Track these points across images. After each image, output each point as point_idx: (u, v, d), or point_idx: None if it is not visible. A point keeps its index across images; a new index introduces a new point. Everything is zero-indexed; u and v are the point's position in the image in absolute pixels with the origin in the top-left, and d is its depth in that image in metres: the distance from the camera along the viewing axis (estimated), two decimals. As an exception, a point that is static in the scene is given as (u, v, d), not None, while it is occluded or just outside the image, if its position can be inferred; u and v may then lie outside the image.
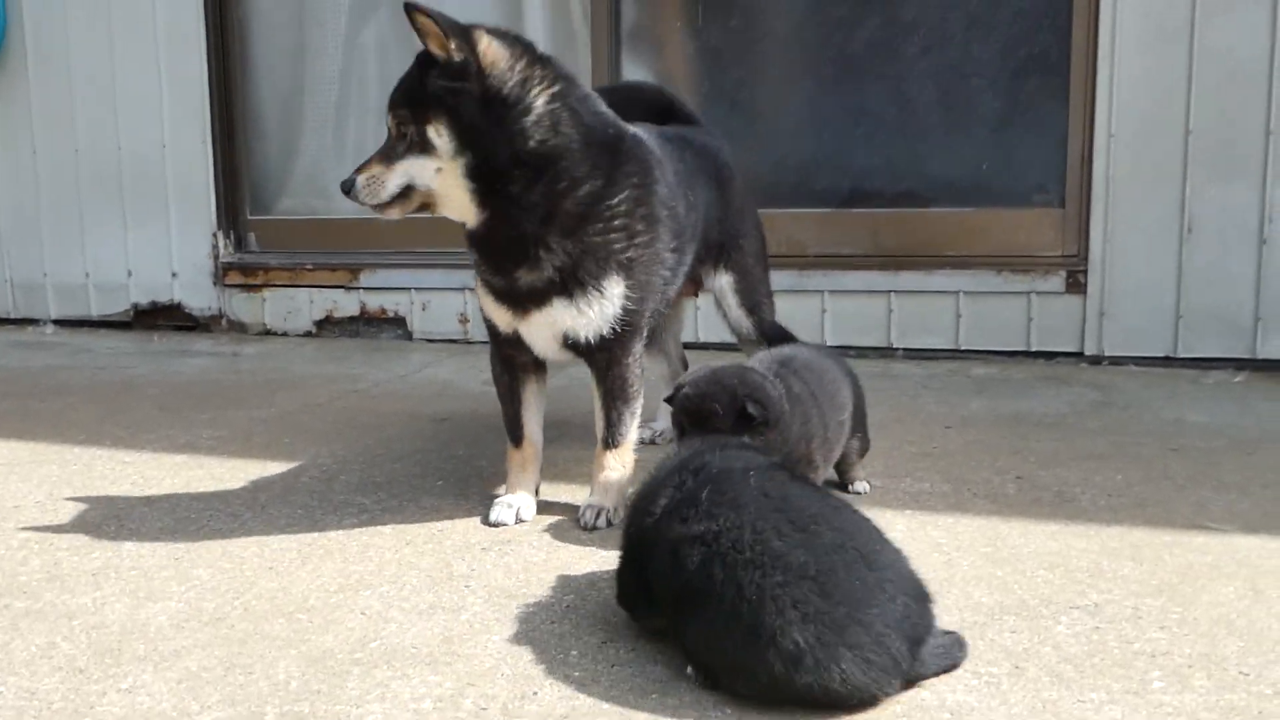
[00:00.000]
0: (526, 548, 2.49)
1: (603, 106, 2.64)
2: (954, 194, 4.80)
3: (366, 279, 5.58)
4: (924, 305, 4.71)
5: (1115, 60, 4.31)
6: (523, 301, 2.59)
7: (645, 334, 2.70)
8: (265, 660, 1.95)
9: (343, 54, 5.76)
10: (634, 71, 5.23)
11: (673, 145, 2.92)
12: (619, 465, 2.66)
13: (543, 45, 2.61)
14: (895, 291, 4.73)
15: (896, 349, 4.75)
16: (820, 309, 4.84)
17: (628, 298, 2.57)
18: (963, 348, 4.67)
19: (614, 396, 2.65)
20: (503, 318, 2.65)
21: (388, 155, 2.49)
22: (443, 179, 2.48)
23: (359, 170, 2.52)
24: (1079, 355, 4.52)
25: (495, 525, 2.62)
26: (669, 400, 2.42)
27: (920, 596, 1.77)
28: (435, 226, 5.64)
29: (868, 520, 1.87)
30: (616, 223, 2.54)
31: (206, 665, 1.94)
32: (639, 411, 2.70)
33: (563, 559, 2.41)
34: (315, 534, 2.61)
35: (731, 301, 3.25)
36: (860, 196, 4.94)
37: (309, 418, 3.82)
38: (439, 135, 2.43)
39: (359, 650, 1.98)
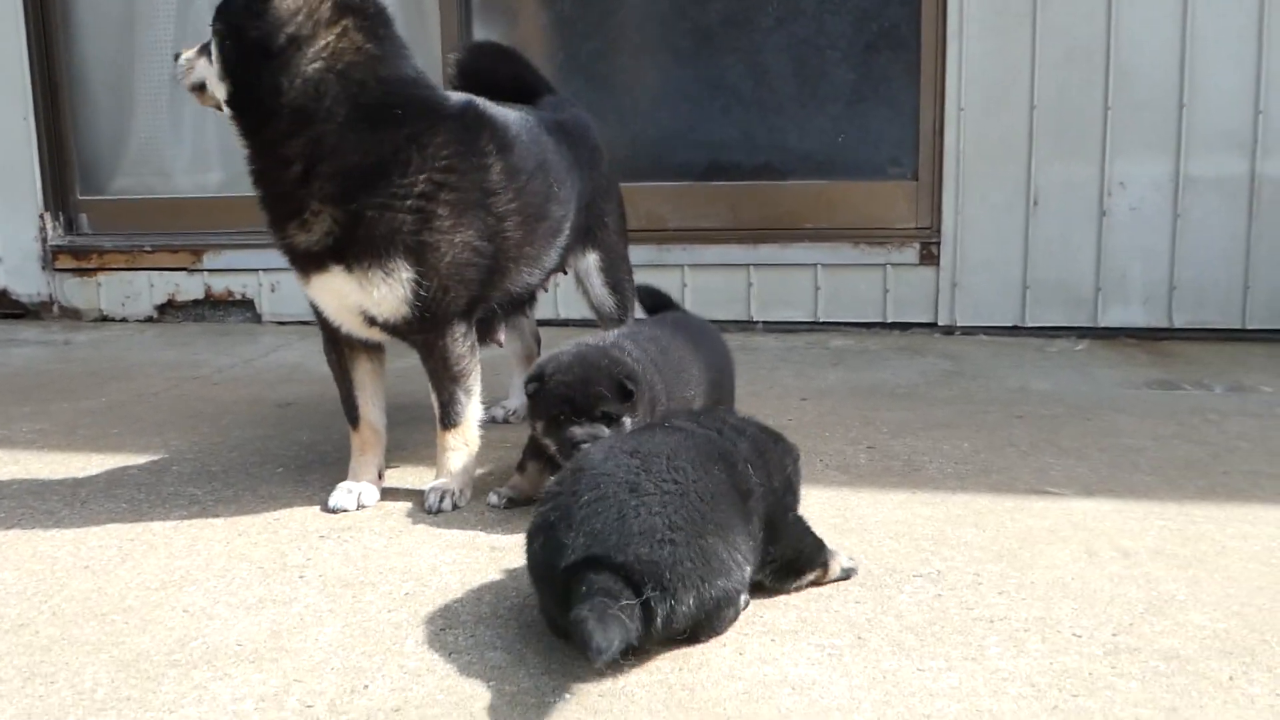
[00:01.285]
0: (367, 534, 2.38)
1: (414, 78, 2.50)
2: (811, 167, 4.82)
3: (211, 260, 5.30)
4: (783, 278, 4.73)
5: (963, 36, 4.39)
6: (301, 262, 2.52)
7: (469, 318, 2.59)
8: (71, 668, 1.80)
9: (175, 23, 5.44)
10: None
11: (544, 133, 2.82)
12: (461, 445, 2.57)
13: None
14: (754, 265, 4.74)
15: (756, 322, 4.76)
16: (680, 283, 4.81)
17: (420, 284, 2.44)
18: (821, 320, 4.71)
19: (441, 376, 2.56)
20: (298, 280, 2.59)
21: (204, 49, 2.53)
22: (218, 96, 2.49)
23: (186, 50, 2.59)
24: (933, 326, 4.61)
25: (335, 511, 2.50)
26: (534, 389, 2.33)
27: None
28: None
29: None
30: (408, 203, 2.41)
31: (4, 676, 1.78)
32: (475, 388, 2.60)
33: (405, 544, 2.31)
34: (139, 528, 2.44)
35: (596, 281, 3.20)
36: (718, 170, 4.92)
37: (142, 408, 3.60)
38: (213, 57, 2.46)
39: (178, 651, 1.85)
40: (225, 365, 4.29)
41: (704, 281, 4.79)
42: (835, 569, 2.08)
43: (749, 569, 1.87)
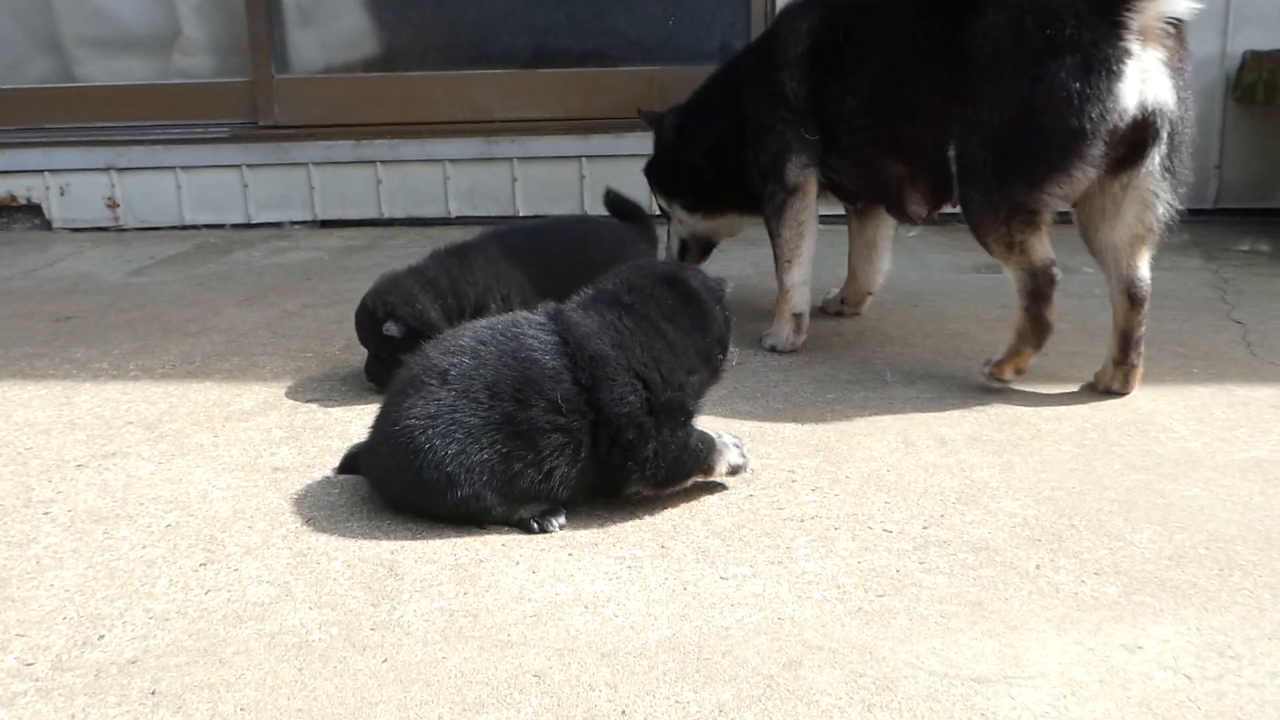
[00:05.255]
0: (134, 460, 2.13)
1: None
2: (641, 52, 4.60)
3: (-13, 160, 4.78)
4: (617, 169, 4.51)
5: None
6: None
7: None
8: None
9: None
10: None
11: None
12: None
13: None
14: (586, 157, 4.53)
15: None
16: (511, 177, 4.57)
17: None
18: (656, 212, 4.55)
19: None
20: None
21: None
22: None
23: None
24: (770, 216, 4.50)
25: None
26: None
27: None
28: (71, 98, 4.94)
29: None
30: None
31: None
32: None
33: (175, 470, 2.08)
34: None
35: None
36: (545, 56, 4.65)
37: (-105, 325, 3.21)
38: None
39: (-115, 608, 1.60)
40: (1, 277, 3.87)
41: (535, 175, 4.56)
42: (720, 469, 1.91)
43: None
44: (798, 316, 2.78)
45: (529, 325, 1.82)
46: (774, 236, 2.82)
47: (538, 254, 2.53)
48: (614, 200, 2.89)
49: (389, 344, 2.33)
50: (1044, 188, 2.28)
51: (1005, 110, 2.27)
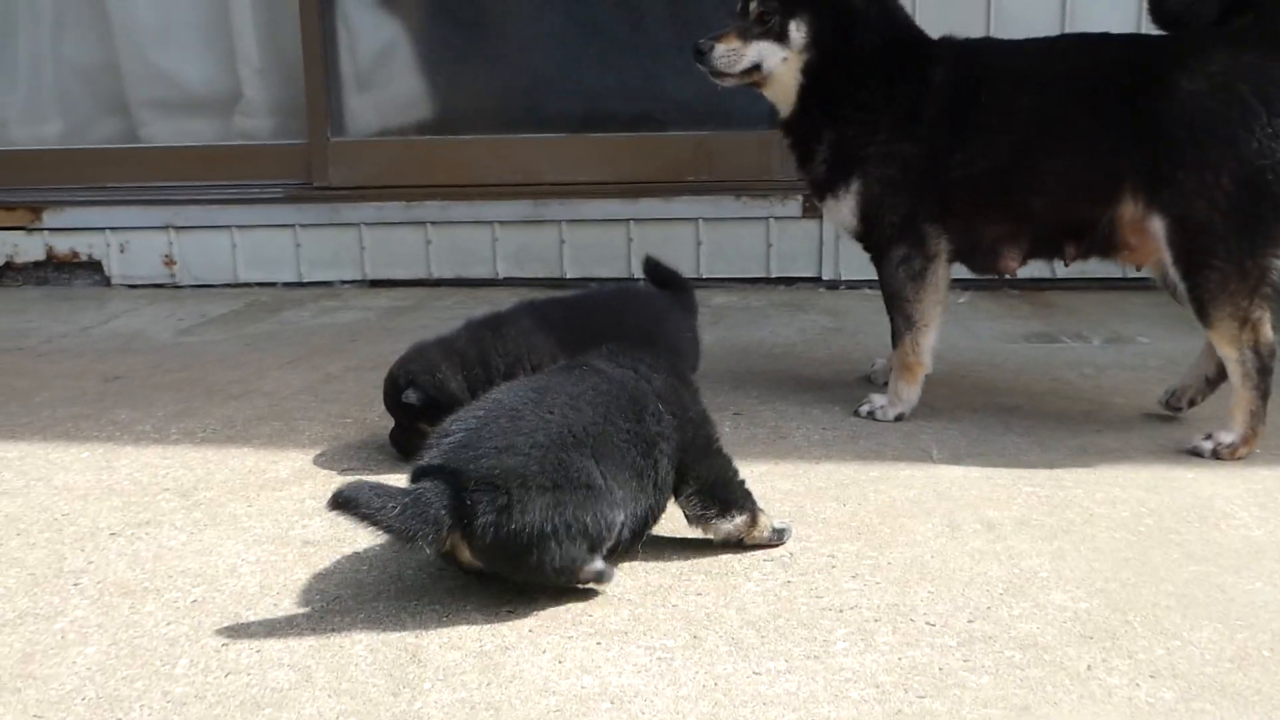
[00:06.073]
0: (167, 529, 2.13)
1: None
2: (690, 117, 4.61)
3: (52, 218, 4.89)
4: (664, 233, 4.52)
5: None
6: None
7: None
8: None
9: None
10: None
11: None
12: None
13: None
14: (634, 220, 4.53)
15: (638, 280, 4.55)
16: (559, 240, 4.58)
17: None
18: (704, 276, 4.52)
19: None
20: None
21: (747, 34, 2.74)
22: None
23: (718, 39, 2.74)
24: (817, 280, 4.47)
25: None
26: None
27: None
28: (133, 158, 5.06)
29: None
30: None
31: None
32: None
33: (206, 541, 2.07)
34: (-91, 530, 2.15)
35: None
36: (595, 120, 4.68)
37: (-50, 383, 3.26)
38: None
39: (-90, 682, 1.60)
40: (57, 334, 3.94)
41: (583, 238, 4.57)
42: (765, 525, 1.97)
43: (631, 509, 1.79)
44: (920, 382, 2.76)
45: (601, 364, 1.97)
46: (905, 300, 2.75)
47: (572, 324, 2.51)
48: (652, 267, 2.87)
49: (409, 412, 2.36)
50: None
51: (1235, 170, 2.33)
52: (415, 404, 2.33)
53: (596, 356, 2.02)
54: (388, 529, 1.62)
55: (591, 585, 1.79)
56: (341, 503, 1.62)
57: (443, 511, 1.64)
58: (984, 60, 2.70)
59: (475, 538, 1.66)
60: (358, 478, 2.33)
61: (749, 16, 2.74)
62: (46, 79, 5.07)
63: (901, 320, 2.76)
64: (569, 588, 1.78)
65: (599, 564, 1.76)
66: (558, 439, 1.74)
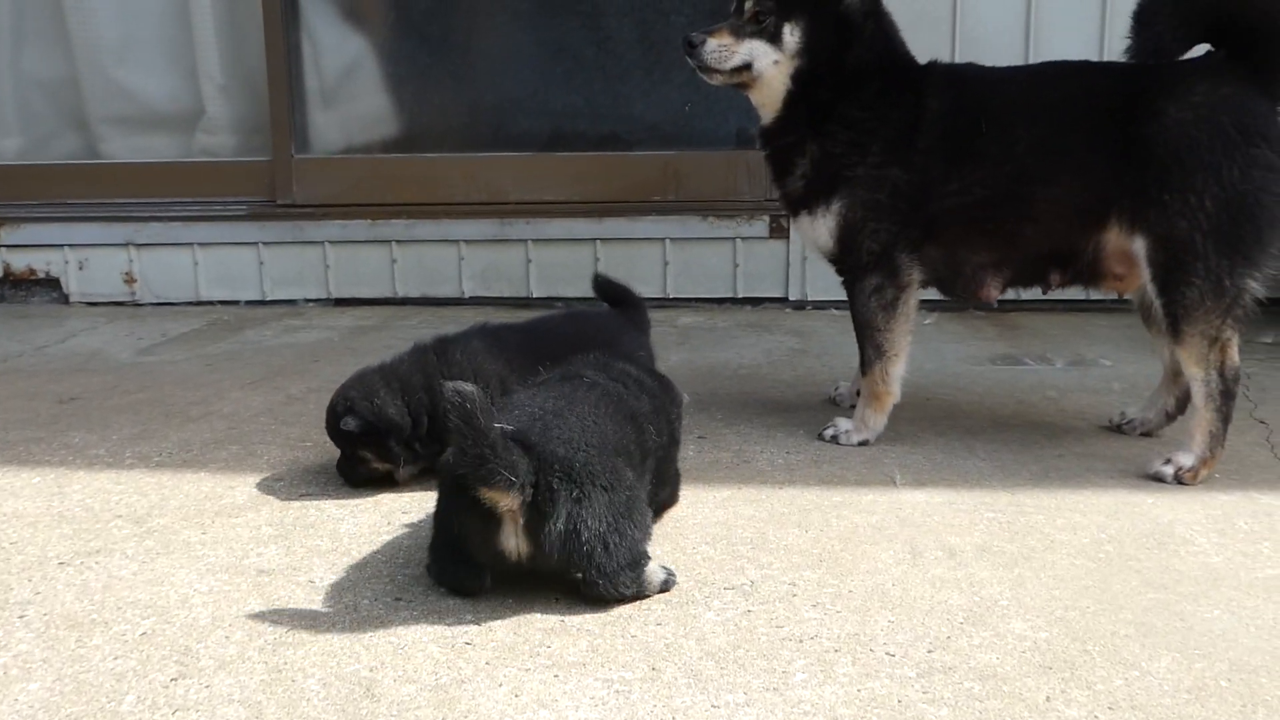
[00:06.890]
0: (118, 558, 2.08)
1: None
2: (658, 137, 4.61)
3: (9, 235, 4.82)
4: (630, 253, 4.51)
5: None
6: None
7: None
8: None
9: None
10: (314, 6, 4.72)
11: None
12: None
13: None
14: (601, 239, 4.52)
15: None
16: (525, 259, 4.56)
17: None
18: (671, 296, 4.53)
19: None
20: None
21: (741, 32, 2.70)
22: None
23: (710, 34, 2.70)
24: (784, 301, 4.48)
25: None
26: None
27: None
28: (94, 174, 4.99)
29: None
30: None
31: None
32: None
33: (158, 570, 2.02)
34: None
35: None
36: (562, 140, 4.68)
37: (-101, 405, 3.19)
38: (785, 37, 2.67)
39: None
40: (12, 353, 3.87)
41: (549, 257, 4.56)
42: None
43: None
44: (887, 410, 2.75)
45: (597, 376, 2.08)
46: (876, 329, 2.73)
47: (524, 348, 2.49)
48: (603, 284, 2.87)
49: (349, 440, 2.35)
50: (1265, 266, 2.44)
51: (1217, 194, 2.39)
52: (354, 431, 2.31)
53: (587, 367, 2.12)
54: (483, 459, 1.66)
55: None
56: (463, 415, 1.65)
57: (530, 478, 1.72)
58: (979, 89, 2.70)
59: (548, 522, 1.74)
60: (314, 503, 2.31)
61: (744, 15, 2.71)
62: (5, 93, 5.00)
63: (872, 349, 2.74)
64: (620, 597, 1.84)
65: (663, 572, 1.90)
66: (603, 444, 1.83)
